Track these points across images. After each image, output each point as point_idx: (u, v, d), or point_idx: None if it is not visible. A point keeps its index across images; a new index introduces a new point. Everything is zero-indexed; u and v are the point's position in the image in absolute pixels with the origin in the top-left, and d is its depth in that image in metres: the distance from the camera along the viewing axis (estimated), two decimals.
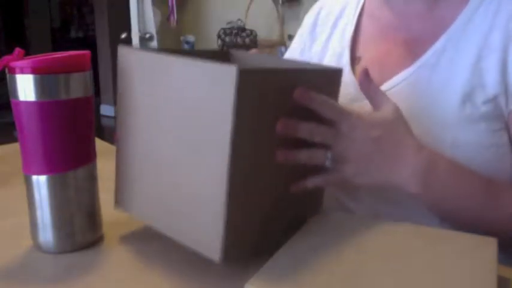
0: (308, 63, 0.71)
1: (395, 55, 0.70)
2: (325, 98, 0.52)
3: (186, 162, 0.48)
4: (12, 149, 0.91)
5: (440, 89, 0.64)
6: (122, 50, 0.54)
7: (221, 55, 0.69)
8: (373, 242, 0.50)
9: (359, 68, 0.73)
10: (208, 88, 0.45)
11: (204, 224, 0.47)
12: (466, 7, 0.65)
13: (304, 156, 0.53)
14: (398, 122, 0.56)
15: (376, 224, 0.53)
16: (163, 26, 2.97)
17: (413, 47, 0.68)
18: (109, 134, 3.89)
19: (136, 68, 0.53)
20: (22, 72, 0.49)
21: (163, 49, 0.56)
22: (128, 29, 2.98)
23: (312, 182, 0.55)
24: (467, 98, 0.62)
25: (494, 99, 0.61)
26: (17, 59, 0.50)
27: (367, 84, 0.57)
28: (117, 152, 0.56)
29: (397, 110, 0.56)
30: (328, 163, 0.53)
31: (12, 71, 0.50)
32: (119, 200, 0.57)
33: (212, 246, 0.46)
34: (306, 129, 0.51)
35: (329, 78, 0.57)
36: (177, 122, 0.49)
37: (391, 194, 0.67)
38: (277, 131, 0.49)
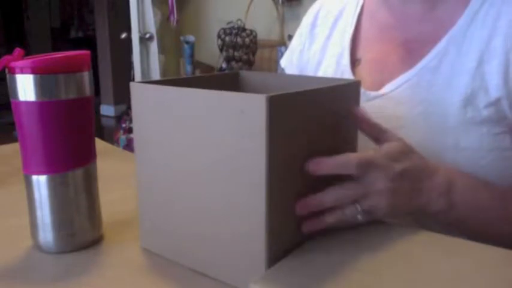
0: (322, 78, 0.70)
1: (396, 57, 0.70)
2: (337, 160, 0.49)
3: (215, 192, 0.47)
4: (12, 149, 0.91)
5: (441, 92, 0.63)
6: (135, 87, 0.52)
7: (230, 78, 0.66)
8: (389, 249, 0.48)
9: (359, 70, 0.73)
10: (238, 118, 0.44)
11: (244, 255, 0.46)
12: (466, 10, 0.64)
13: (333, 218, 0.50)
14: (411, 150, 0.55)
15: (393, 230, 0.51)
16: (163, 26, 2.97)
17: (413, 48, 0.68)
18: (109, 134, 3.89)
19: (155, 105, 0.50)
20: (22, 72, 0.49)
21: (171, 80, 0.54)
22: (128, 29, 2.98)
23: (334, 218, 0.51)
24: (469, 101, 0.62)
25: (496, 103, 0.61)
26: (17, 59, 0.50)
27: (368, 123, 0.55)
28: (140, 192, 0.54)
29: (404, 140, 0.55)
30: (360, 217, 0.50)
31: (12, 71, 0.50)
32: (145, 241, 0.55)
33: (255, 265, 0.45)
34: (331, 199, 0.49)
35: (350, 90, 0.56)
36: (205, 156, 0.47)
37: None
38: (299, 211, 0.48)
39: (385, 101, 0.67)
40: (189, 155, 0.48)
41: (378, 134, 0.55)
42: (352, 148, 0.57)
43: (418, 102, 0.64)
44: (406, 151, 0.54)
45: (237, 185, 0.45)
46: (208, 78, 0.60)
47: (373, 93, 0.68)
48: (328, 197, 0.49)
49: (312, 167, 0.48)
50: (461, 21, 0.64)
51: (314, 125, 0.49)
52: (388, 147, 0.53)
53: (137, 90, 0.51)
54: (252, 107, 0.43)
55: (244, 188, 0.45)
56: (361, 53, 0.74)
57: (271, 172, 0.43)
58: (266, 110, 0.42)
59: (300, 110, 0.47)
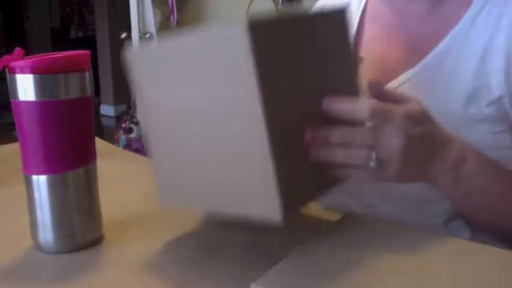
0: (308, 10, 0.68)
1: (398, 55, 0.70)
2: (350, 102, 0.49)
3: (221, 133, 0.47)
4: (12, 149, 0.91)
5: (444, 90, 0.64)
6: (126, 52, 0.53)
7: None
8: (391, 249, 0.47)
9: (361, 69, 0.73)
10: (224, 53, 0.44)
11: (255, 187, 0.46)
12: (469, 9, 0.65)
13: (341, 155, 0.49)
14: (431, 116, 0.54)
15: (398, 231, 0.51)
16: (163, 26, 2.97)
17: (416, 47, 0.68)
18: (109, 134, 3.89)
19: (147, 64, 0.52)
20: (22, 72, 0.49)
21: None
22: (128, 29, 2.98)
23: (355, 177, 0.51)
24: (471, 99, 0.62)
25: (498, 101, 0.61)
26: (17, 59, 0.50)
27: (380, 88, 0.54)
28: (152, 156, 0.55)
29: (424, 105, 0.53)
30: (372, 164, 0.49)
31: (12, 71, 0.50)
32: (165, 201, 0.55)
33: (270, 207, 0.45)
34: (338, 135, 0.48)
35: (338, 20, 0.54)
36: (204, 103, 0.48)
37: (391, 192, 0.67)
38: (305, 140, 0.48)
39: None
40: (189, 105, 0.49)
41: (396, 101, 0.53)
42: (354, 87, 0.55)
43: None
44: (426, 116, 0.53)
45: (237, 124, 0.45)
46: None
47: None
48: (336, 133, 0.48)
49: (325, 106, 0.48)
50: (464, 21, 0.65)
51: (304, 54, 0.48)
52: (409, 107, 0.51)
53: (128, 55, 0.53)
54: (235, 38, 0.42)
55: (244, 127, 0.45)
56: (364, 52, 0.74)
57: (266, 104, 0.43)
58: (249, 39, 0.42)
59: (284, 37, 0.46)
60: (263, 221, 0.46)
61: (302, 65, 0.48)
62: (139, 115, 0.53)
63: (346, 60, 0.55)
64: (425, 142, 0.52)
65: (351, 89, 0.55)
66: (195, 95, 0.48)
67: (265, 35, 0.44)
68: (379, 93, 0.53)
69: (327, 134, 0.48)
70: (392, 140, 0.49)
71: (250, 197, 0.47)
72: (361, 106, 0.49)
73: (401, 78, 0.67)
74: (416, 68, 0.66)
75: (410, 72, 0.67)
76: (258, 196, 0.46)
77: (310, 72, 0.49)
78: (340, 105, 0.49)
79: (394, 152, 0.49)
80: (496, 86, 0.61)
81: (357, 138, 0.49)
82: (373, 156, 0.49)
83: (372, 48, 0.74)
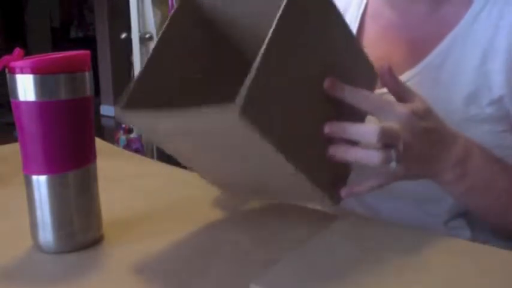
0: None
1: (399, 55, 0.70)
2: (359, 90, 0.49)
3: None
4: (12, 149, 0.91)
5: (445, 90, 0.64)
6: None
7: None
8: (392, 250, 0.47)
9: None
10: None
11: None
12: (470, 8, 0.65)
13: (357, 156, 0.48)
14: (435, 113, 0.54)
15: (398, 231, 0.51)
16: (163, 26, 2.97)
17: (417, 47, 0.68)
18: (109, 134, 3.89)
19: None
20: (22, 72, 0.49)
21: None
22: (128, 29, 2.98)
23: (367, 188, 0.51)
24: (472, 99, 0.62)
25: (499, 101, 0.61)
26: (17, 59, 0.50)
27: (393, 79, 0.54)
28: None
29: (428, 102, 0.54)
30: (393, 165, 0.48)
31: (12, 71, 0.50)
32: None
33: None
34: (353, 131, 0.48)
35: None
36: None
37: (391, 192, 0.67)
38: (324, 133, 0.48)
39: (389, 98, 0.68)
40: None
41: (403, 93, 0.53)
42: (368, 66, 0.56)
43: None
44: (431, 112, 0.53)
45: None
46: None
47: (376, 91, 0.69)
48: (353, 127, 0.47)
49: (328, 85, 0.48)
50: (465, 21, 0.65)
51: (306, 63, 0.48)
52: (414, 104, 0.52)
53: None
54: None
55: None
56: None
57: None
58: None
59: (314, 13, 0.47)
60: (220, 110, 0.42)
61: (308, 71, 0.48)
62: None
63: (348, 40, 0.54)
64: (431, 138, 0.52)
65: (365, 70, 0.56)
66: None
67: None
68: (389, 81, 0.53)
69: (345, 126, 0.48)
70: (409, 135, 0.49)
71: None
72: (368, 94, 0.50)
73: (403, 78, 0.67)
74: (418, 67, 0.66)
75: (411, 72, 0.67)
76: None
77: (318, 73, 0.49)
78: (346, 88, 0.49)
79: (413, 148, 0.49)
80: (497, 85, 0.61)
81: (371, 132, 0.47)
82: (394, 155, 0.47)
83: (373, 48, 0.73)
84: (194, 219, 0.61)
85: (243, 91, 0.40)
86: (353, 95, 0.49)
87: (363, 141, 0.48)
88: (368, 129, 0.47)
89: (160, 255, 0.53)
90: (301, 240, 0.51)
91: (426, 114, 0.52)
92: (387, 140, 0.47)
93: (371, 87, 0.56)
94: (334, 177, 0.51)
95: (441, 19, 0.68)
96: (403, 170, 0.50)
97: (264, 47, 0.42)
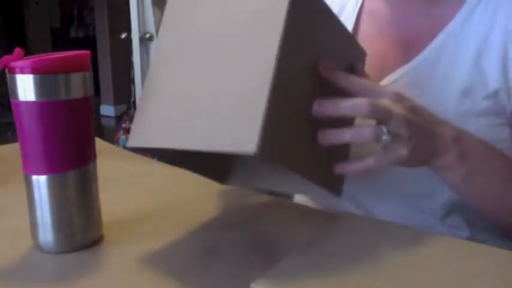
0: None
1: (395, 52, 0.70)
2: (349, 74, 0.50)
3: (228, 63, 0.47)
4: (12, 149, 0.91)
5: (440, 85, 0.64)
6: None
7: None
8: (392, 250, 0.47)
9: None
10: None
11: (241, 120, 0.44)
12: (464, 4, 0.65)
13: (350, 134, 0.48)
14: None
15: (398, 231, 0.51)
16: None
17: (412, 43, 0.68)
18: (109, 134, 3.89)
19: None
20: (22, 72, 0.49)
21: None
22: (128, 29, 2.98)
23: (362, 165, 0.50)
24: (467, 93, 0.62)
25: (494, 95, 0.62)
26: (17, 59, 0.50)
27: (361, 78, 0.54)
28: (146, 84, 0.53)
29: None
30: (385, 139, 0.48)
31: (12, 71, 0.50)
32: (135, 136, 0.51)
33: (249, 139, 0.43)
34: (347, 105, 0.48)
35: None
36: (224, 30, 0.49)
37: (387, 191, 0.68)
38: (313, 113, 0.48)
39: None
40: (211, 32, 0.49)
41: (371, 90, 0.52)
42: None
43: (416, 95, 0.65)
44: (409, 98, 0.54)
45: (246, 64, 0.46)
46: None
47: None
48: (345, 101, 0.48)
49: (321, 68, 0.49)
50: (460, 16, 0.65)
51: (325, 34, 0.51)
52: (393, 90, 0.52)
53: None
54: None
55: (252, 70, 0.45)
56: None
57: (282, 52, 0.44)
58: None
59: (317, 14, 0.50)
60: (235, 150, 0.44)
61: (316, 40, 0.50)
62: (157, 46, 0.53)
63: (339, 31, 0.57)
64: (423, 113, 0.53)
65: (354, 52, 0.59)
66: (221, 23, 0.49)
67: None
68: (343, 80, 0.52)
69: (337, 102, 0.48)
70: (396, 109, 0.49)
71: (230, 125, 0.45)
72: (360, 79, 0.51)
73: (398, 73, 0.67)
74: (413, 63, 0.66)
75: (407, 68, 0.67)
76: (240, 124, 0.44)
77: (321, 50, 0.51)
78: (339, 73, 0.50)
79: (401, 122, 0.49)
80: (492, 80, 0.61)
81: (365, 103, 0.48)
82: (384, 129, 0.48)
83: (369, 44, 0.74)
84: (194, 219, 0.61)
85: (259, 132, 0.42)
86: (344, 78, 0.50)
87: (355, 114, 0.49)
88: (360, 101, 0.48)
89: (160, 255, 0.53)
90: (301, 240, 0.52)
91: (407, 97, 0.53)
92: (379, 114, 0.48)
93: (362, 64, 0.60)
94: (333, 174, 0.52)
95: (436, 15, 0.68)
96: (407, 151, 0.49)
97: (270, 89, 0.43)
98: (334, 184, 0.54)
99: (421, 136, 0.51)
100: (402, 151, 0.50)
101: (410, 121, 0.49)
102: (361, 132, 0.48)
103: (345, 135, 0.48)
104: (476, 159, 0.57)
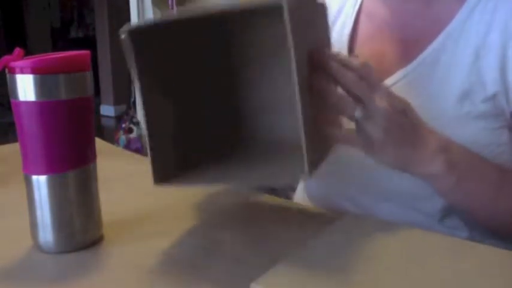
0: None
1: (393, 53, 0.70)
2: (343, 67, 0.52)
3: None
4: (12, 149, 0.91)
5: (439, 87, 0.64)
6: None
7: None
8: (391, 250, 0.47)
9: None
10: None
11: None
12: (463, 5, 0.65)
13: (335, 98, 0.52)
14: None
15: (397, 231, 0.51)
16: None
17: (411, 45, 0.68)
18: (109, 134, 3.89)
19: None
20: (22, 72, 0.49)
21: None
22: None
23: (342, 137, 0.54)
24: (466, 96, 0.62)
25: (493, 98, 0.61)
26: (17, 59, 0.50)
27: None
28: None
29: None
30: (357, 114, 0.51)
31: (12, 71, 0.50)
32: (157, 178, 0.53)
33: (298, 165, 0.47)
34: (336, 66, 0.51)
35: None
36: None
37: (385, 192, 0.67)
38: (314, 60, 0.50)
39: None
40: None
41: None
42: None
43: (415, 97, 0.65)
44: (408, 103, 0.55)
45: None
46: None
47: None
48: (336, 64, 0.51)
49: (314, 54, 0.51)
50: (459, 17, 0.65)
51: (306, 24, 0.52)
52: (389, 90, 0.54)
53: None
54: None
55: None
56: (360, 49, 0.74)
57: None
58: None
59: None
60: (288, 182, 0.49)
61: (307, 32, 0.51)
62: (139, 115, 0.53)
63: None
64: (411, 119, 0.54)
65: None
66: None
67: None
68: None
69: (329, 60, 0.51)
70: (380, 103, 0.51)
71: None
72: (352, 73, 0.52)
73: (397, 75, 0.67)
74: (412, 65, 0.66)
75: (406, 69, 0.67)
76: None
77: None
78: (332, 63, 0.51)
79: (380, 111, 0.51)
80: (491, 82, 0.61)
81: (358, 87, 0.51)
82: (359, 107, 0.51)
83: (368, 46, 0.74)
84: (194, 219, 0.61)
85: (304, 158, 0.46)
86: (338, 70, 0.51)
87: (341, 79, 0.51)
88: (348, 71, 0.51)
89: (160, 255, 0.53)
90: (301, 240, 0.51)
91: (404, 100, 0.55)
92: (362, 89, 0.51)
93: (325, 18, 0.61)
94: (317, 147, 0.52)
95: (435, 16, 0.68)
96: (380, 138, 0.52)
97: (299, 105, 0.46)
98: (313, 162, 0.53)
99: (401, 135, 0.53)
100: (374, 137, 0.52)
101: (391, 115, 0.52)
102: (346, 101, 0.51)
103: (333, 95, 0.51)
104: (465, 168, 0.58)
